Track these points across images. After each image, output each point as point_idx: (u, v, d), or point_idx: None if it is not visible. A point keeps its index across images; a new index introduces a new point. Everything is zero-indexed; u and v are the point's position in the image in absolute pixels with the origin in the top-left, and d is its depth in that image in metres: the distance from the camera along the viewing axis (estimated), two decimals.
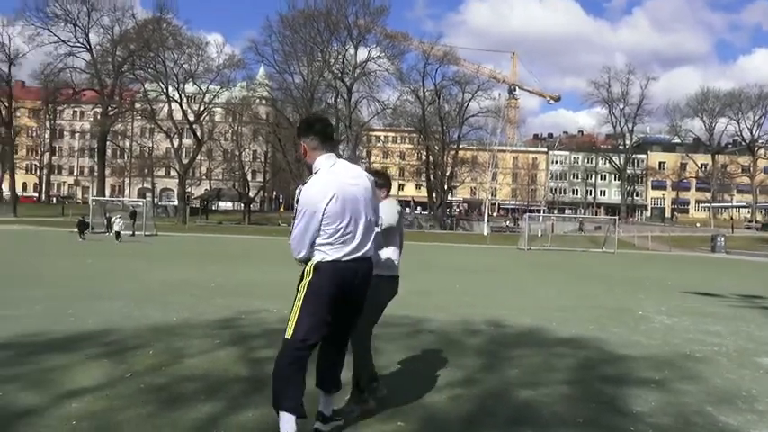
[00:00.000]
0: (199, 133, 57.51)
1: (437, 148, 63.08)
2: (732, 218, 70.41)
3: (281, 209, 75.14)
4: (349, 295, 3.15)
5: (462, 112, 62.09)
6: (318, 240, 3.09)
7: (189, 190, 62.10)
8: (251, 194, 67.58)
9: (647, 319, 8.13)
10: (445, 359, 5.29)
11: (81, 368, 4.54)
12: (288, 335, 3.09)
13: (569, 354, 5.66)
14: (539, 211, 61.11)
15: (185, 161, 58.53)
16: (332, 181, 3.09)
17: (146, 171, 72.58)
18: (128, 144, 71.89)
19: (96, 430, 3.27)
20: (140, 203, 39.04)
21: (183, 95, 55.69)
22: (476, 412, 3.84)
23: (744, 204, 76.97)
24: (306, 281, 3.13)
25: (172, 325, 6.49)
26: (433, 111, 61.47)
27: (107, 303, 7.79)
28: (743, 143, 77.69)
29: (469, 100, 61.40)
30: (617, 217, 43.73)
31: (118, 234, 24.70)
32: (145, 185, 79.51)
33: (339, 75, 56.56)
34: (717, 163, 78.12)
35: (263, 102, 64.14)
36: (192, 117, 56.17)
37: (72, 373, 4.40)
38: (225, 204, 72.26)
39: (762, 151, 78.84)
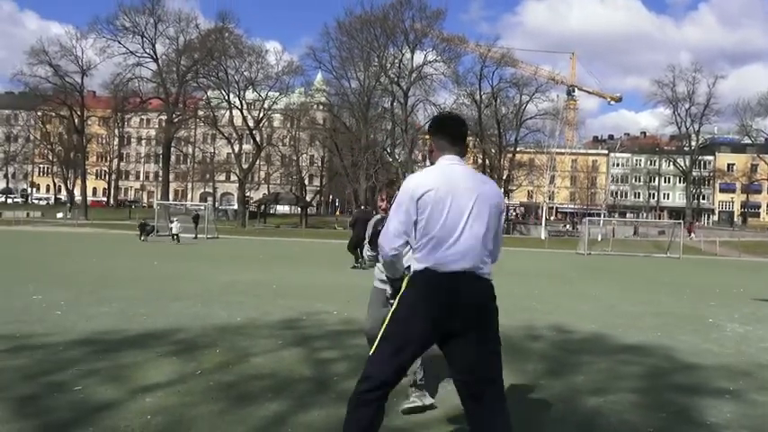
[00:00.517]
0: (258, 139, 58.85)
1: (493, 151, 62.40)
2: None
3: (338, 213, 75.95)
4: (454, 321, 2.56)
5: (520, 115, 61.22)
6: (414, 245, 2.64)
7: (248, 194, 63.59)
8: (308, 198, 68.65)
9: (719, 327, 7.80)
10: (509, 364, 5.20)
11: (153, 365, 4.72)
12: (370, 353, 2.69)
13: (636, 361, 5.50)
14: (598, 215, 59.52)
15: (245, 166, 60.01)
16: (438, 175, 2.70)
17: (207, 176, 74.80)
18: (191, 150, 74.33)
19: (170, 425, 3.40)
20: (202, 207, 40.25)
21: (243, 102, 57.18)
22: (542, 418, 3.78)
23: None
24: (399, 295, 2.68)
25: (237, 325, 6.67)
26: (489, 114, 60.84)
27: (175, 303, 8.07)
28: None
29: (527, 102, 60.46)
30: (682, 221, 42.14)
31: (175, 236, 25.56)
32: (206, 190, 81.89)
33: (395, 79, 56.82)
34: None
35: (321, 107, 65.13)
36: (251, 123, 57.57)
37: (145, 369, 4.58)
38: (282, 208, 73.70)
39: None
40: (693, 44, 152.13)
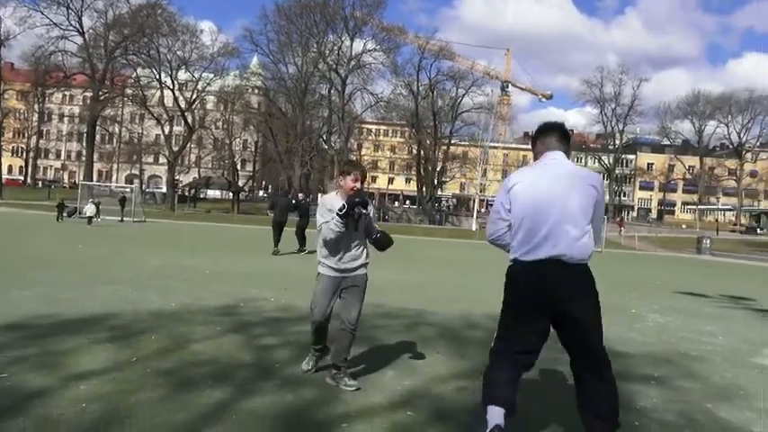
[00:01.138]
0: (190, 120, 57.15)
1: (428, 142, 63.15)
2: (717, 220, 71.16)
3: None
4: (548, 303, 2.82)
5: (456, 108, 62.22)
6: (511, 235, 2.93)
7: (177, 177, 61.69)
8: (240, 184, 67.36)
9: (641, 317, 8.22)
10: (448, 352, 5.33)
11: (86, 351, 4.53)
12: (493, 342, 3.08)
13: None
14: None
15: (175, 148, 58.15)
16: (530, 170, 3.01)
17: (134, 157, 72.01)
18: (117, 129, 71.26)
19: (107, 412, 3.28)
20: (128, 189, 38.74)
21: (175, 82, 55.26)
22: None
23: (729, 207, 77.90)
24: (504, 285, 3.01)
25: (172, 311, 6.48)
26: (426, 105, 61.54)
27: (104, 288, 7.75)
28: (731, 146, 78.56)
29: (463, 95, 61.66)
30: (605, 216, 44.01)
31: (90, 219, 24.37)
32: (133, 172, 78.89)
33: (334, 66, 56.41)
34: (704, 165, 78.95)
35: (256, 91, 63.91)
36: (183, 104, 55.77)
37: (77, 356, 4.39)
38: (213, 193, 71.99)
39: (749, 155, 79.74)
40: (620, 47, 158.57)
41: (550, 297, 2.80)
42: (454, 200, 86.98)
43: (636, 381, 4.66)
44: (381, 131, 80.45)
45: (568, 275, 2.81)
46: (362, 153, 78.37)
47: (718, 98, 74.81)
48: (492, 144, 70.20)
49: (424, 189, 65.30)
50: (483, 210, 78.01)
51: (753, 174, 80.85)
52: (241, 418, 3.32)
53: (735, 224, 71.28)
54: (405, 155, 77.10)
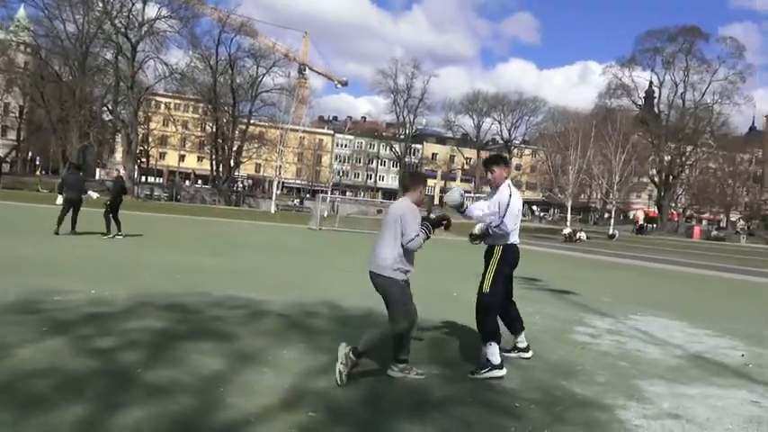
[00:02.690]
0: None
1: (225, 120, 60.97)
2: None
3: (38, 172, 66.20)
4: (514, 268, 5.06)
5: (256, 87, 60.81)
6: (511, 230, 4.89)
7: None
8: (1, 154, 58.65)
9: (464, 301, 8.79)
10: (306, 343, 5.18)
11: None
12: (485, 289, 4.84)
13: (416, 335, 5.90)
14: (323, 192, 62.51)
15: None
16: (514, 189, 4.96)
17: None
18: None
19: None
20: None
21: None
22: (371, 397, 3.85)
23: None
24: (498, 257, 4.87)
25: None
26: (224, 81, 59.20)
27: None
28: (501, 141, 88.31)
29: (264, 75, 60.47)
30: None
31: None
32: None
33: (122, 29, 51.40)
34: (480, 157, 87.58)
35: (24, 48, 55.89)
36: None
37: None
38: None
39: (515, 150, 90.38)
40: (407, 41, 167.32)
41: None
42: (250, 181, 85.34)
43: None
44: (173, 105, 75.53)
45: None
46: (151, 127, 72.93)
47: (494, 98, 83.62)
48: (293, 126, 70.00)
49: (219, 169, 62.97)
50: (280, 191, 77.83)
51: (517, 167, 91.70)
52: None
53: None
54: (198, 132, 73.41)
